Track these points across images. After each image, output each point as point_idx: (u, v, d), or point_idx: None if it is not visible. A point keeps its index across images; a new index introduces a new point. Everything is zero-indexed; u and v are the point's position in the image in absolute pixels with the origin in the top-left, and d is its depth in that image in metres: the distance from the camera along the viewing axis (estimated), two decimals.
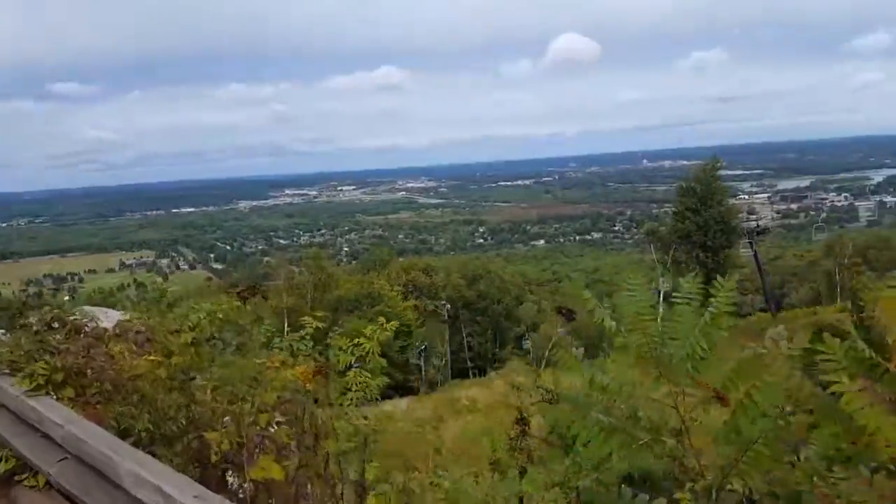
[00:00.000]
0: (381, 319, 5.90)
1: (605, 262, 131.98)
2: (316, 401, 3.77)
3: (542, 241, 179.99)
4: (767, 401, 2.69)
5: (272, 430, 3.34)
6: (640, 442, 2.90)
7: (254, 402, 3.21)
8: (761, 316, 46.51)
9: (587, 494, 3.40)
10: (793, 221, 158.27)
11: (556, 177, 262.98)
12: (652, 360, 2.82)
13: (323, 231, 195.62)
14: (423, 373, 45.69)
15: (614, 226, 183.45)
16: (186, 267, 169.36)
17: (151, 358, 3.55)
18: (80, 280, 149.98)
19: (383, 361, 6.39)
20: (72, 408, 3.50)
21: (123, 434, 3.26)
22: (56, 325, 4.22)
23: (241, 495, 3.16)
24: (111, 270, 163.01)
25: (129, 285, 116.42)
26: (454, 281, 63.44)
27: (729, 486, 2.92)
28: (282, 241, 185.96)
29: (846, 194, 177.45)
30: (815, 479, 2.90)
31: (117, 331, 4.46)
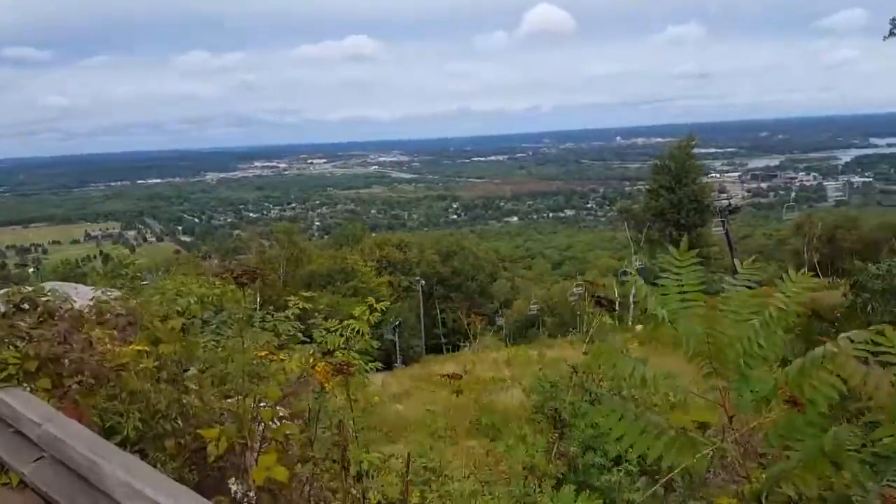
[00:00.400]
0: (371, 300, 5.63)
1: (578, 239, 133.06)
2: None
3: (515, 218, 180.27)
4: (831, 401, 2.46)
5: (274, 426, 3.01)
6: (685, 439, 2.66)
7: (255, 398, 2.88)
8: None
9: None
10: (762, 200, 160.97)
11: (531, 153, 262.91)
12: (705, 355, 2.57)
13: (293, 205, 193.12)
14: (398, 348, 45.71)
15: (587, 203, 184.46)
16: (154, 239, 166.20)
17: (138, 347, 3.18)
18: (45, 251, 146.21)
19: (375, 343, 6.12)
20: (48, 400, 3.13)
21: (109, 432, 2.90)
22: (26, 306, 3.80)
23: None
24: (76, 242, 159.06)
25: (95, 257, 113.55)
26: (428, 257, 63.29)
27: (778, 489, 2.71)
28: (251, 214, 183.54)
29: (815, 174, 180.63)
30: (869, 482, 2.70)
31: (94, 314, 4.06)
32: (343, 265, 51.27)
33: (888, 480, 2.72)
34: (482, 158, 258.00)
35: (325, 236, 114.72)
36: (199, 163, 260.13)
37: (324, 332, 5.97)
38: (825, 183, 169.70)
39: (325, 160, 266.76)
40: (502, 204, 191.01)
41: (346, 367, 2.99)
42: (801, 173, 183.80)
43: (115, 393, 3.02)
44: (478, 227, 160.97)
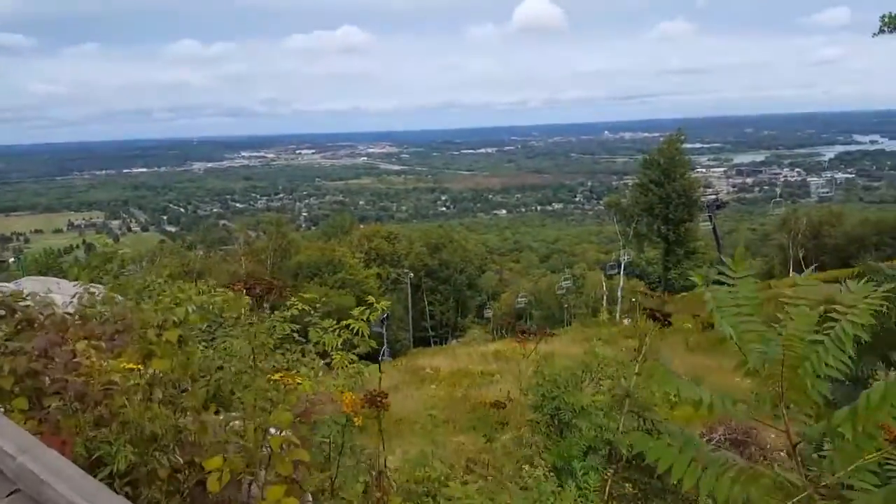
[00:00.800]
0: (371, 299, 5.31)
1: (566, 232, 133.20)
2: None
3: (504, 211, 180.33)
4: None
5: (282, 452, 2.66)
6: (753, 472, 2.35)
7: (261, 425, 2.53)
8: None
9: None
10: (748, 196, 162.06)
11: (520, 146, 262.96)
12: (776, 378, 2.26)
13: (281, 195, 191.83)
14: (386, 341, 45.35)
15: (575, 197, 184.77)
16: (139, 229, 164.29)
17: (130, 366, 2.81)
18: (27, 240, 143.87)
19: (373, 343, 5.79)
20: (25, 422, 2.75)
21: (96, 463, 2.54)
22: (3, 312, 3.41)
23: None
24: (59, 231, 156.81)
25: (77, 247, 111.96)
26: (417, 249, 62.84)
27: None
28: (238, 204, 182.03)
29: (799, 170, 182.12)
30: None
31: (79, 319, 3.68)
32: (331, 257, 50.75)
33: None
34: (471, 151, 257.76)
35: (313, 227, 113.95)
36: (185, 152, 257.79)
37: (321, 332, 5.65)
38: (809, 179, 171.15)
39: (313, 151, 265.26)
40: (491, 196, 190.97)
41: (381, 399, 2.65)
42: (785, 169, 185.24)
43: (103, 416, 2.66)
44: (466, 220, 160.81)
